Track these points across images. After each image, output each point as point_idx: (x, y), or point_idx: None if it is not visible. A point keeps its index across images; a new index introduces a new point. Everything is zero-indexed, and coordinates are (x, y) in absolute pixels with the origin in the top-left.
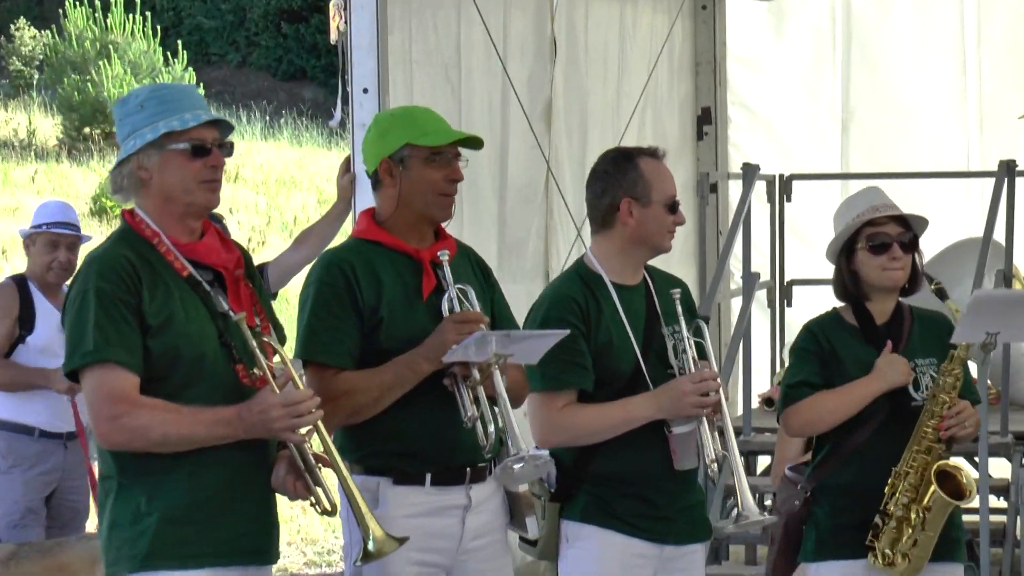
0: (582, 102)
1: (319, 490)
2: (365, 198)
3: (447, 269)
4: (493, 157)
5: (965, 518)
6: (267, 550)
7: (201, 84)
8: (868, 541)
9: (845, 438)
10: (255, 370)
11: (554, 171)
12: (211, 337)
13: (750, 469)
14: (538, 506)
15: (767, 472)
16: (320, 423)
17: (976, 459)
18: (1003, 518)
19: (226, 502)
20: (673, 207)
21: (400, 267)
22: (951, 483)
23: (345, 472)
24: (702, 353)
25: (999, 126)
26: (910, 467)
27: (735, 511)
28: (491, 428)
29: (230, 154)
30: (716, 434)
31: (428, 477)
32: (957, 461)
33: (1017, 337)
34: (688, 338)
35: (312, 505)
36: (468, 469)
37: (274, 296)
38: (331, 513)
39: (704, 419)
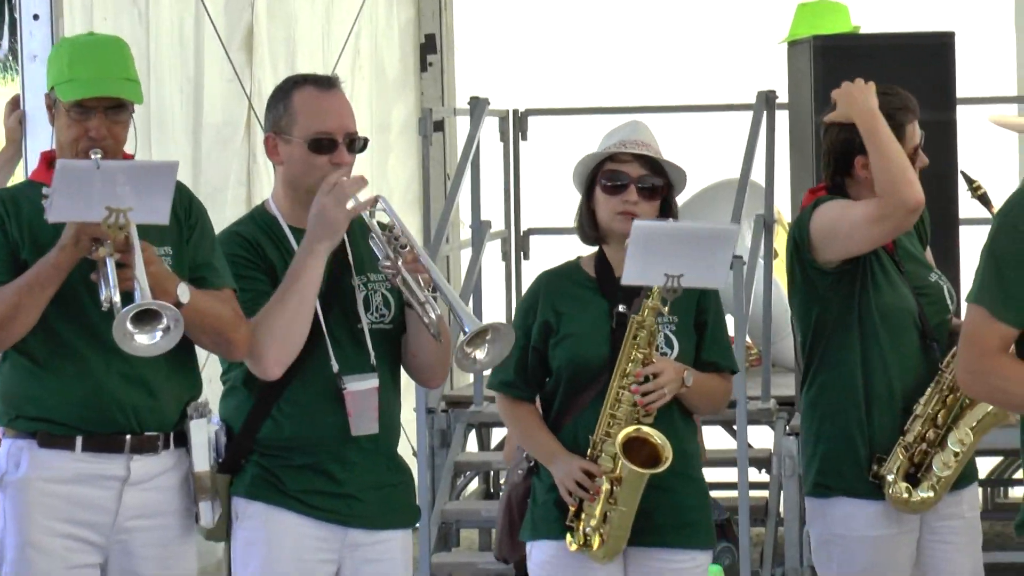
0: (288, 29)
1: None
2: (37, 141)
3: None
4: (186, 92)
5: (723, 494)
6: None
7: None
8: (569, 520)
9: (571, 399)
10: None
11: (257, 108)
12: None
13: (484, 443)
14: (221, 485)
15: (501, 447)
16: None
17: (734, 427)
18: (765, 493)
19: None
20: (319, 146)
21: None
22: (647, 450)
23: None
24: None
25: (758, 52)
26: (607, 434)
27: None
28: (115, 296)
29: None
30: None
31: (79, 441)
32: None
33: (706, 279)
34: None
35: None
36: (128, 437)
37: None
38: None
39: None
